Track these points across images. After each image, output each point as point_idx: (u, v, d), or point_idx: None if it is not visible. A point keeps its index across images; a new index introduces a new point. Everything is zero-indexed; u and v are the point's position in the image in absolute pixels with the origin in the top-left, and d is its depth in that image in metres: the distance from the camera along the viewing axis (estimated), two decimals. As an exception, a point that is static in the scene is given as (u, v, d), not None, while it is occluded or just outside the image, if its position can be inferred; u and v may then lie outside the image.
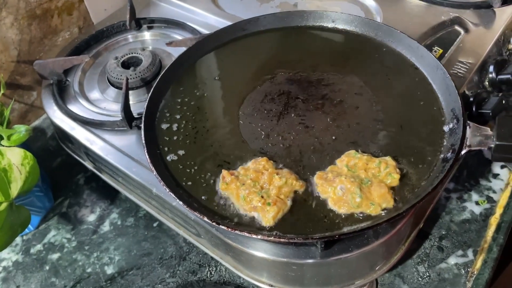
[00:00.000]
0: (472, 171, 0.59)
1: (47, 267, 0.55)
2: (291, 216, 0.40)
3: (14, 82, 0.68)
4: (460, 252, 0.52)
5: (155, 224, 0.58)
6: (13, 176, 0.45)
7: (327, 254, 0.41)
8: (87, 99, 0.60)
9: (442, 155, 0.42)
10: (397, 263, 0.51)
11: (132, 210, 0.60)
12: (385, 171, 0.40)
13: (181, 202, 0.40)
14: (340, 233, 0.37)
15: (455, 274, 0.50)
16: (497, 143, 0.39)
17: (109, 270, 0.55)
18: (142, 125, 0.47)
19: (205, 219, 0.38)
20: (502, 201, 0.56)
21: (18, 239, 0.58)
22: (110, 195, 0.62)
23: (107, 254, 0.56)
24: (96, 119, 0.55)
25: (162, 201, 0.48)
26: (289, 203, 0.40)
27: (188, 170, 0.44)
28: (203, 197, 0.42)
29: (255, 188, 0.41)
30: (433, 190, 0.38)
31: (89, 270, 0.55)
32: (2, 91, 0.60)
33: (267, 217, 0.39)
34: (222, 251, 0.47)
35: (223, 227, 0.38)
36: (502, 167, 0.59)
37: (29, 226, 0.58)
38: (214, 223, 0.38)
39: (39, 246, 0.58)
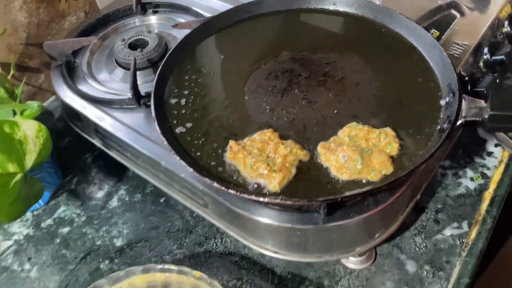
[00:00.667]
0: (467, 149, 0.62)
1: (58, 240, 0.57)
2: (296, 183, 0.42)
3: (22, 65, 0.69)
4: (455, 224, 0.54)
5: (162, 200, 0.60)
6: (28, 148, 0.47)
7: (329, 220, 0.43)
8: (95, 79, 0.61)
9: (438, 126, 0.44)
10: (395, 235, 0.54)
11: (139, 186, 0.62)
12: (385, 140, 0.42)
13: (191, 169, 0.42)
14: (342, 196, 0.39)
15: (451, 245, 0.53)
16: (490, 113, 0.41)
17: (118, 242, 0.57)
18: (152, 99, 0.48)
19: (215, 184, 0.40)
20: (496, 177, 0.58)
21: (28, 214, 0.60)
22: (117, 173, 0.64)
23: (116, 228, 0.58)
24: (105, 98, 0.57)
25: (171, 174, 0.50)
26: (293, 171, 0.42)
27: (196, 142, 0.47)
28: (211, 166, 0.44)
29: (261, 157, 0.43)
30: (430, 157, 0.40)
31: (98, 242, 0.57)
32: (12, 72, 0.62)
33: (273, 183, 0.41)
34: (228, 221, 0.50)
35: (232, 191, 0.40)
36: (496, 145, 0.62)
37: (40, 201, 0.60)
38: (223, 188, 0.40)
39: (49, 221, 0.60)
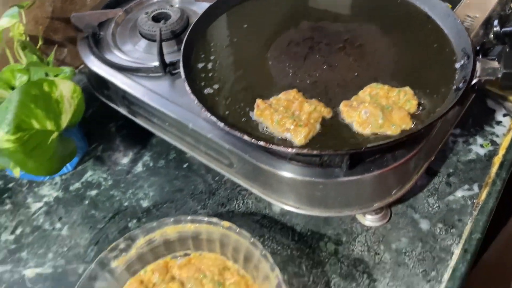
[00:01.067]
0: (477, 119, 0.64)
1: (86, 202, 0.60)
2: (320, 137, 0.45)
3: (47, 38, 0.72)
4: (466, 186, 0.57)
5: (184, 166, 0.63)
6: (63, 108, 0.50)
7: (350, 174, 0.46)
8: (120, 50, 0.64)
9: (454, 86, 0.47)
10: (409, 196, 0.57)
11: (163, 153, 0.65)
12: (404, 98, 0.45)
13: (222, 124, 0.44)
14: (366, 146, 0.42)
15: (462, 205, 0.56)
16: (504, 71, 0.44)
17: (145, 203, 0.59)
18: (181, 61, 0.51)
19: (245, 137, 0.43)
20: (505, 143, 0.61)
21: (56, 178, 0.63)
22: (141, 141, 0.66)
23: (142, 191, 0.61)
24: (132, 66, 0.60)
25: (198, 135, 0.53)
26: (318, 126, 0.45)
27: (224, 102, 0.49)
28: (239, 124, 0.47)
29: (287, 114, 0.45)
30: (447, 112, 0.43)
31: (126, 204, 0.60)
32: (40, 43, 0.64)
33: (299, 137, 0.44)
34: (252, 179, 0.52)
35: (262, 143, 0.42)
36: (504, 115, 0.64)
37: (67, 166, 0.63)
38: (253, 140, 0.43)
39: (77, 184, 0.62)
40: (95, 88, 0.66)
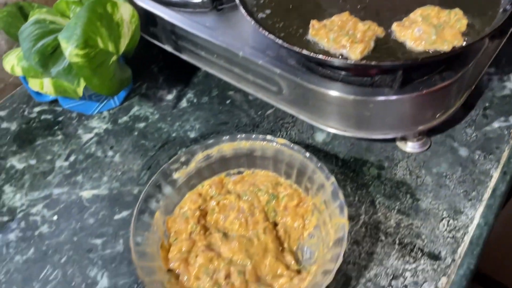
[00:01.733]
0: (510, 58, 0.66)
1: (136, 133, 0.63)
2: (374, 54, 0.47)
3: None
4: (502, 118, 0.59)
5: (227, 102, 0.65)
6: (123, 32, 0.52)
7: (401, 93, 0.48)
8: (165, -11, 0.66)
9: (501, 9, 0.49)
10: (447, 127, 0.59)
11: (205, 91, 0.67)
12: (455, 18, 0.47)
13: (280, 40, 0.47)
14: (423, 58, 0.44)
15: (499, 134, 0.58)
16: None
17: (192, 134, 0.62)
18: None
19: (304, 51, 0.45)
20: (538, 79, 0.63)
21: (105, 113, 0.65)
22: (183, 80, 0.69)
23: (188, 123, 0.63)
24: (180, 1, 0.62)
25: (248, 63, 0.55)
26: (372, 44, 0.47)
27: (277, 25, 0.51)
28: (295, 43, 0.49)
29: (342, 32, 0.47)
30: (496, 29, 0.45)
31: (174, 135, 0.62)
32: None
33: (355, 53, 0.46)
34: (300, 105, 0.55)
35: (321, 56, 0.45)
36: (537, 55, 0.66)
37: (115, 100, 0.65)
38: (312, 54, 0.45)
39: (125, 118, 0.65)
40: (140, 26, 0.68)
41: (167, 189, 0.49)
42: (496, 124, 0.59)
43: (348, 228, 0.43)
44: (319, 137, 0.60)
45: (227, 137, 0.50)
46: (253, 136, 0.50)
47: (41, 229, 0.54)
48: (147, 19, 0.64)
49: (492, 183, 0.53)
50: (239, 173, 0.53)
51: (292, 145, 0.49)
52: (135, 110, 0.66)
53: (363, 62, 0.44)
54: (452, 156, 0.57)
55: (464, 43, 0.46)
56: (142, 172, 0.58)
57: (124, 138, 0.62)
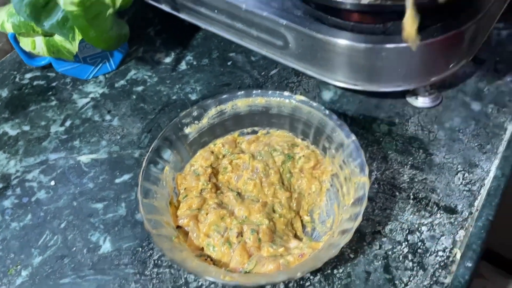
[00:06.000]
0: (519, 14, 0.65)
1: (134, 97, 0.60)
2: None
3: None
4: (514, 72, 0.58)
5: (229, 63, 0.63)
6: (118, -16, 0.49)
7: (414, 40, 0.46)
8: None
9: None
10: (458, 82, 0.57)
11: (205, 53, 0.64)
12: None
13: (288, -16, 0.44)
14: (438, -3, 0.42)
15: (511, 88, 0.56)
16: None
17: (193, 97, 0.59)
18: None
19: (314, -6, 0.43)
20: (550, 33, 0.61)
21: (100, 77, 0.62)
22: (182, 42, 0.66)
23: (189, 86, 0.61)
24: (177, -45, 0.59)
25: (251, 17, 0.52)
26: (384, -13, 0.45)
27: (283, -27, 0.49)
28: None
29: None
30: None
31: (174, 97, 0.59)
32: None
33: (366, -4, 0.43)
34: (307, 60, 0.52)
35: None
36: (547, 9, 0.64)
37: (111, 64, 0.62)
38: (322, -4, 0.42)
39: (122, 82, 0.62)
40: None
41: (178, 144, 0.46)
42: (508, 78, 0.57)
43: (368, 187, 0.41)
44: (326, 96, 0.58)
45: (242, 92, 0.48)
46: (270, 92, 0.48)
47: (38, 195, 0.51)
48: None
49: (507, 136, 0.51)
50: (254, 132, 0.50)
51: (311, 102, 0.46)
52: (132, 73, 0.63)
53: (377, 1, 0.42)
54: (465, 110, 0.55)
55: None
56: (143, 135, 0.55)
57: (122, 102, 0.59)
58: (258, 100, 0.48)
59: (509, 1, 0.60)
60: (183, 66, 0.63)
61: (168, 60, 0.64)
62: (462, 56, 0.51)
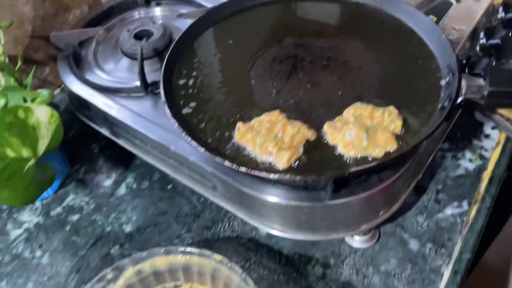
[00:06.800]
0: (465, 132, 0.63)
1: (68, 228, 0.58)
2: (304, 161, 0.44)
3: (28, 57, 0.70)
4: (456, 203, 0.56)
5: (169, 187, 0.62)
6: (40, 134, 0.48)
7: (336, 197, 0.45)
8: (101, 69, 0.62)
9: (440, 105, 0.46)
10: (397, 215, 0.56)
11: (147, 174, 0.63)
12: (389, 118, 0.44)
13: (203, 149, 0.43)
14: (350, 171, 0.41)
15: (452, 223, 0.54)
16: (490, 89, 0.43)
17: (128, 228, 0.58)
18: (161, 81, 0.50)
19: (226, 163, 0.42)
20: (494, 157, 0.60)
21: (37, 203, 0.61)
22: (124, 161, 0.65)
23: (125, 214, 0.59)
24: (112, 86, 0.58)
25: (180, 158, 0.52)
26: (301, 149, 0.44)
27: (205, 123, 0.48)
28: (220, 147, 0.45)
29: (270, 136, 0.44)
30: (432, 133, 0.42)
31: (108, 229, 0.58)
32: (20, 63, 0.62)
33: (282, 161, 0.42)
34: (236, 203, 0.51)
35: (243, 168, 0.41)
36: (492, 128, 0.63)
37: (48, 190, 0.61)
38: (234, 166, 0.41)
39: (59, 209, 0.60)
40: (76, 109, 0.64)
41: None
42: (448, 211, 0.56)
43: None
44: (263, 231, 0.56)
45: (161, 250, 0.46)
46: (189, 250, 0.45)
47: None
48: (82, 103, 0.61)
49: (442, 284, 0.49)
50: (176, 286, 0.48)
51: (229, 263, 0.44)
52: (70, 199, 0.61)
53: (287, 176, 0.41)
54: (402, 250, 0.53)
55: (398, 146, 0.43)
56: (70, 276, 0.54)
57: (55, 234, 0.58)
58: (178, 258, 0.46)
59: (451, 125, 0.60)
60: (122, 190, 0.62)
61: (108, 182, 0.63)
62: (392, 203, 0.50)
